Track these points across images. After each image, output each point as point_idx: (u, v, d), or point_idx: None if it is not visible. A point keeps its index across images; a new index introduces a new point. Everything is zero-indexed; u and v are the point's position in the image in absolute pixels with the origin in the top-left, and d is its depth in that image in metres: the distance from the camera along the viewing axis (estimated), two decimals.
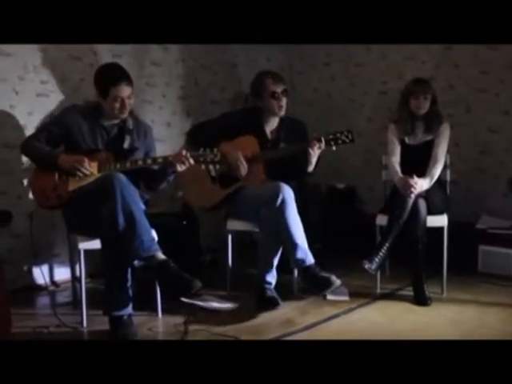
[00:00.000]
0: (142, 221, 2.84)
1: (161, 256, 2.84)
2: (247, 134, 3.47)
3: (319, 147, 3.30)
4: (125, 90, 3.08)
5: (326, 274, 3.13)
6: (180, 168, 3.06)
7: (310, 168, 3.38)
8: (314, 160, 3.35)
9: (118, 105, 3.08)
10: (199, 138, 3.52)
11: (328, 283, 3.09)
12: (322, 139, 3.30)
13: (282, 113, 3.53)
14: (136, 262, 2.84)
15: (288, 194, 3.20)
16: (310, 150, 3.30)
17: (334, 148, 3.30)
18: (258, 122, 3.55)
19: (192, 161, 3.05)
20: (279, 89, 3.49)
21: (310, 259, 3.18)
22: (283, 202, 3.17)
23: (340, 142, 3.29)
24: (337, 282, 3.11)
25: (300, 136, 3.50)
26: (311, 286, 3.18)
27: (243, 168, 3.41)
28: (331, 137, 3.30)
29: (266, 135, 3.55)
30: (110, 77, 3.09)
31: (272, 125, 3.58)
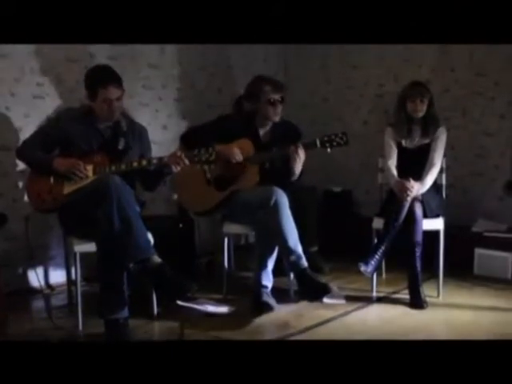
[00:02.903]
0: (138, 223, 2.83)
1: (156, 259, 2.83)
2: (242, 137, 3.46)
3: (303, 151, 3.27)
4: (113, 92, 3.05)
5: (322, 281, 3.13)
6: (175, 169, 3.06)
7: (297, 171, 3.34)
8: (298, 164, 3.32)
9: (106, 107, 3.07)
10: (194, 141, 3.50)
11: (325, 290, 3.07)
12: (317, 141, 3.29)
13: (277, 119, 3.53)
14: (131, 265, 2.83)
15: (281, 197, 3.19)
16: (295, 155, 3.29)
17: (328, 150, 3.30)
18: (252, 126, 3.55)
19: (187, 161, 3.05)
20: (277, 96, 3.48)
21: (304, 263, 3.17)
22: (276, 204, 3.16)
23: (335, 144, 3.28)
24: (333, 288, 3.12)
25: (293, 139, 3.47)
26: (308, 291, 3.11)
27: (239, 155, 3.39)
28: (326, 139, 3.29)
29: (259, 138, 3.54)
30: (99, 78, 3.06)
31: (265, 128, 3.58)
